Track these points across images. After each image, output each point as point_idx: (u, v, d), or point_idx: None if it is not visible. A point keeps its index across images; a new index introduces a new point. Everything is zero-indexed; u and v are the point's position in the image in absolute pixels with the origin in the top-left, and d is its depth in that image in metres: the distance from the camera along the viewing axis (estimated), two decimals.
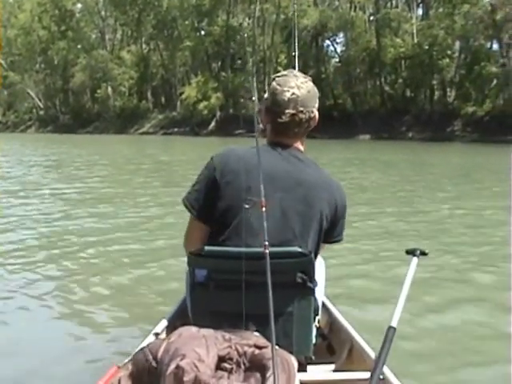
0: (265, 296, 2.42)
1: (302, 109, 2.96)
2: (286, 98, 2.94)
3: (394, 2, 73.92)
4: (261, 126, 3.09)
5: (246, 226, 2.77)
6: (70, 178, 19.80)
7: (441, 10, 66.46)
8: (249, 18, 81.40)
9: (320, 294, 3.09)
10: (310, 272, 2.72)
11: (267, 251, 2.31)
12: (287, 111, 2.94)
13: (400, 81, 68.19)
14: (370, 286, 6.84)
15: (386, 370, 2.74)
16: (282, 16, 75.11)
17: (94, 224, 10.67)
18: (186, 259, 2.89)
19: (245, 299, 2.59)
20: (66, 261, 7.81)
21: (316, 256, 2.87)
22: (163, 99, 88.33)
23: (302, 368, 2.77)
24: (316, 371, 3.15)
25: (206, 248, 2.80)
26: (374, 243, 9.10)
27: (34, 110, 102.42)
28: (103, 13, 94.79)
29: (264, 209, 2.39)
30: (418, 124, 59.52)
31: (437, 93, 65.72)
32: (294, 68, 3.33)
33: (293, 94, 2.94)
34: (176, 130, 76.29)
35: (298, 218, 2.84)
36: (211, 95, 74.07)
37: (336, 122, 59.98)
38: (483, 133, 52.77)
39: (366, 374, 2.78)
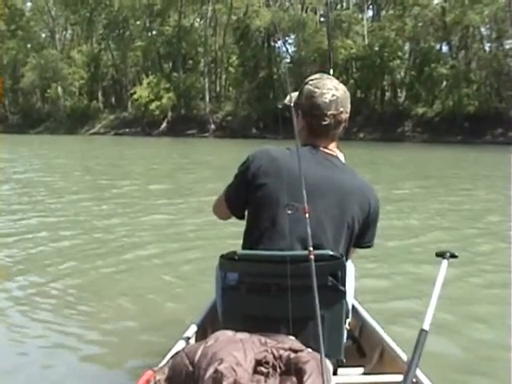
0: (298, 299, 2.43)
1: (341, 109, 2.99)
2: (328, 100, 2.96)
3: (344, 4, 74.53)
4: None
5: (278, 229, 2.80)
6: None
7: (391, 11, 67.27)
8: (200, 19, 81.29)
9: (350, 297, 3.08)
10: (341, 275, 2.71)
11: (312, 257, 2.33)
12: (330, 113, 2.96)
13: (351, 82, 68.58)
14: (398, 287, 6.78)
15: (418, 372, 2.75)
16: (234, 17, 75.20)
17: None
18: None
19: (278, 303, 2.61)
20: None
21: (347, 259, 2.87)
22: (114, 99, 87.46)
23: (332, 371, 2.79)
24: (346, 374, 3.15)
25: (240, 252, 2.78)
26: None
27: None
28: (53, 12, 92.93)
29: (307, 215, 2.40)
30: (369, 124, 59.92)
31: (387, 94, 66.65)
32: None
33: (333, 95, 2.97)
34: (127, 130, 75.64)
35: (332, 222, 2.83)
36: (163, 95, 73.55)
37: (288, 123, 59.91)
38: (433, 133, 53.69)
39: (398, 377, 2.79)
